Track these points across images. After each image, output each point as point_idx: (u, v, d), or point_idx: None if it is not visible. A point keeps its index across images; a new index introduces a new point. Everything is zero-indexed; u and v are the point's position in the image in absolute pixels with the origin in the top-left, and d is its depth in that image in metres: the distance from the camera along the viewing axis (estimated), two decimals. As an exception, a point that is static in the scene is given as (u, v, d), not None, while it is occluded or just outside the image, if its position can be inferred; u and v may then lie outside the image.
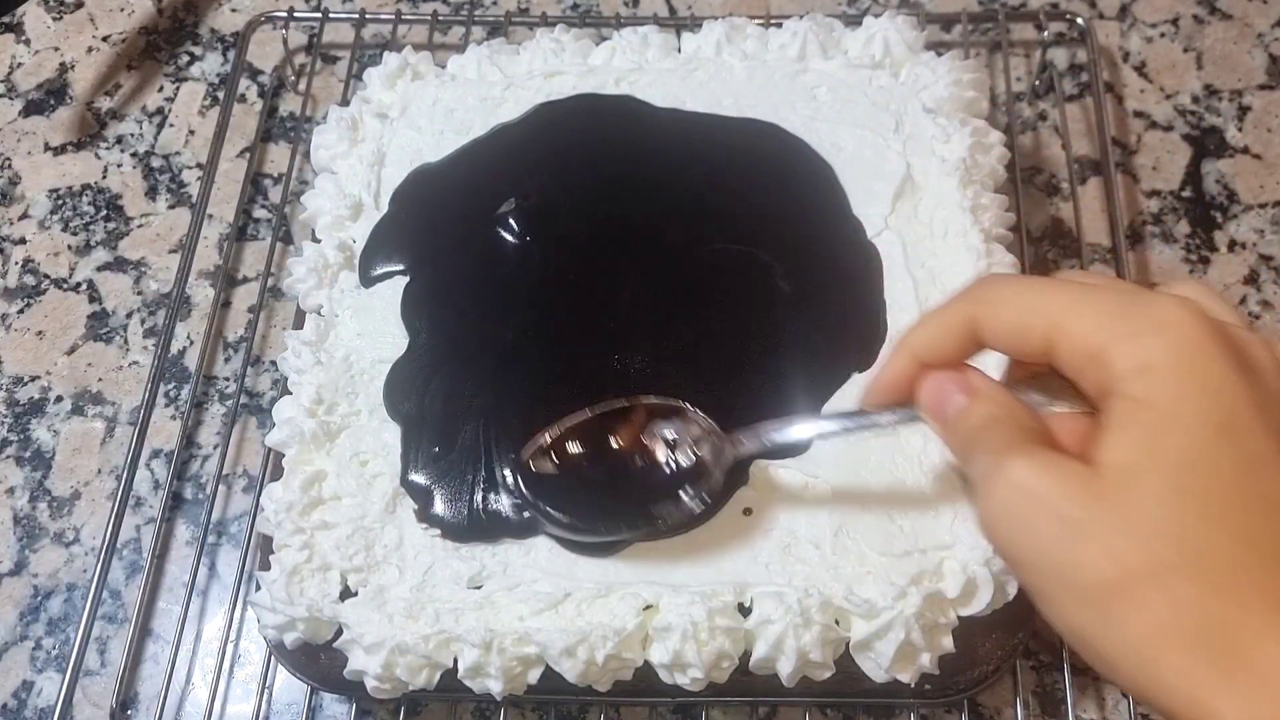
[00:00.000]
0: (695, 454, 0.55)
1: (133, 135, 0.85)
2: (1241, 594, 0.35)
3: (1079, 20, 0.82)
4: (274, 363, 0.73)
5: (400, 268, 0.67)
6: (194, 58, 0.88)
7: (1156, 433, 0.37)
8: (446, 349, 0.63)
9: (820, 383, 0.60)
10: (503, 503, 0.58)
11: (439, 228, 0.68)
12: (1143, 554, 0.36)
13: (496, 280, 0.66)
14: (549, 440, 0.56)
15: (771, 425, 0.53)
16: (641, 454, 0.56)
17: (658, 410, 0.56)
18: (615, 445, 0.56)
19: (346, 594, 0.57)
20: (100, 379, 0.75)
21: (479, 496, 0.58)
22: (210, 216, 0.80)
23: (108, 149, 0.84)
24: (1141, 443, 0.37)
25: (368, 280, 0.66)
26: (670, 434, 0.56)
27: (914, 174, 0.67)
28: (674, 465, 0.55)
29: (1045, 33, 0.82)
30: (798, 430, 0.52)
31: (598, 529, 0.56)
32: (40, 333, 0.77)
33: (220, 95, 0.85)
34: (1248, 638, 0.35)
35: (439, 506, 0.58)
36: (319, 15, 0.85)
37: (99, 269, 0.79)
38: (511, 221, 0.67)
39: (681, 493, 0.55)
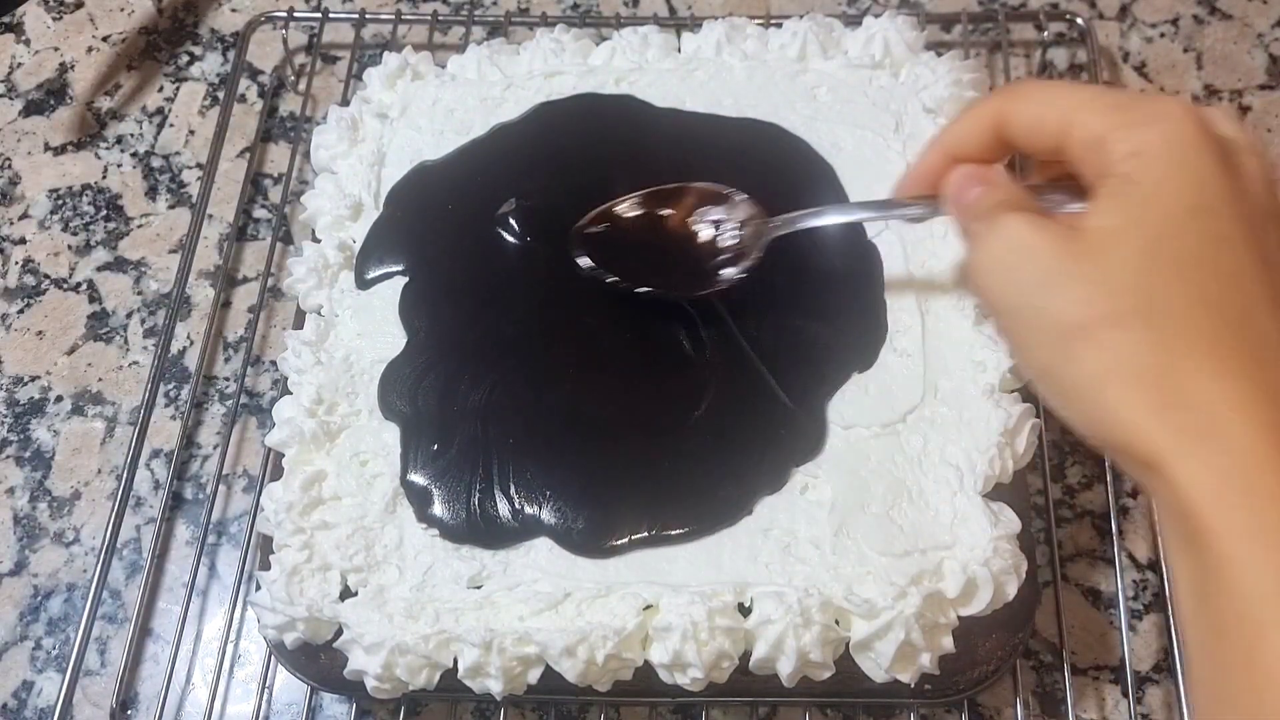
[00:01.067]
0: (739, 234, 0.60)
1: (133, 135, 0.85)
2: (1191, 344, 0.40)
3: (1079, 20, 0.82)
4: (274, 363, 0.73)
5: (397, 269, 0.66)
6: (194, 58, 0.88)
7: (1138, 205, 0.42)
8: (443, 348, 0.63)
9: (820, 382, 0.60)
10: (501, 506, 0.58)
11: (439, 228, 0.68)
12: (1107, 302, 0.41)
13: (496, 280, 0.66)
14: (603, 211, 0.62)
15: (808, 212, 0.58)
16: (690, 232, 0.61)
17: (706, 194, 0.61)
18: (667, 221, 0.61)
19: (346, 594, 0.57)
20: (100, 379, 0.75)
21: (476, 498, 0.58)
22: (210, 216, 0.80)
23: (108, 149, 0.84)
24: (1123, 212, 0.42)
25: (363, 283, 0.66)
26: (717, 215, 0.61)
27: (914, 174, 0.67)
28: (721, 242, 0.60)
29: (1045, 33, 0.82)
30: (831, 216, 0.58)
31: (649, 284, 0.61)
32: (40, 333, 0.77)
33: (220, 95, 0.85)
34: (1190, 379, 0.39)
35: (437, 507, 0.58)
36: (319, 15, 0.85)
37: (99, 269, 0.79)
38: (511, 221, 0.66)
39: (726, 266, 0.60)
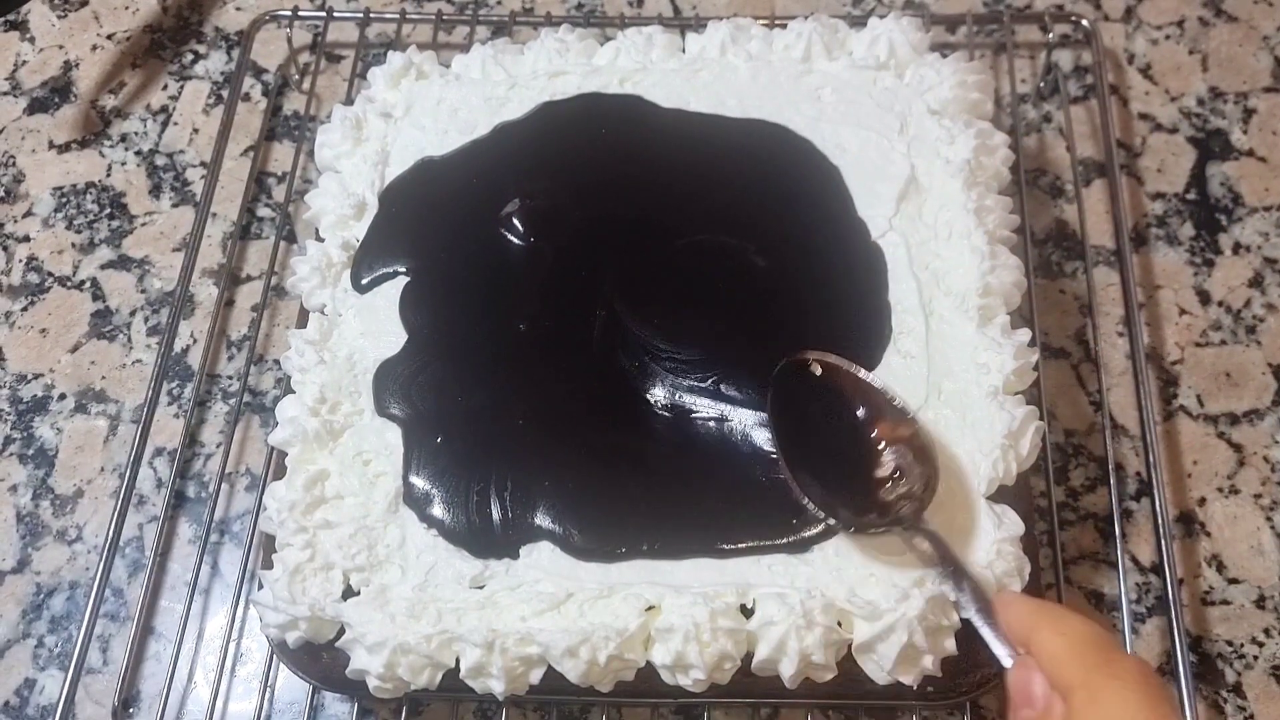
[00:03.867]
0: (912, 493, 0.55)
1: (137, 133, 0.85)
2: None
3: (1084, 22, 0.82)
4: (277, 361, 0.73)
5: (397, 269, 0.66)
6: (198, 56, 0.88)
7: None
8: (440, 348, 0.63)
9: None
10: (496, 512, 0.58)
11: (441, 226, 0.68)
12: None
13: (498, 279, 0.66)
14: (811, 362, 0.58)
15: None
16: (874, 455, 0.57)
17: (904, 437, 0.56)
18: (860, 429, 0.57)
19: (349, 593, 0.57)
20: (103, 377, 0.75)
21: (474, 501, 0.58)
22: (214, 215, 0.80)
23: (112, 147, 0.84)
24: None
25: (360, 286, 0.66)
26: (896, 460, 0.56)
27: (918, 175, 0.67)
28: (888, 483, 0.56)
29: (1050, 35, 0.82)
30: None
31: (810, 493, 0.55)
32: (44, 330, 0.77)
33: (224, 94, 0.85)
34: None
35: (438, 509, 0.58)
36: (323, 14, 0.85)
37: (102, 267, 0.79)
38: (515, 221, 0.66)
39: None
